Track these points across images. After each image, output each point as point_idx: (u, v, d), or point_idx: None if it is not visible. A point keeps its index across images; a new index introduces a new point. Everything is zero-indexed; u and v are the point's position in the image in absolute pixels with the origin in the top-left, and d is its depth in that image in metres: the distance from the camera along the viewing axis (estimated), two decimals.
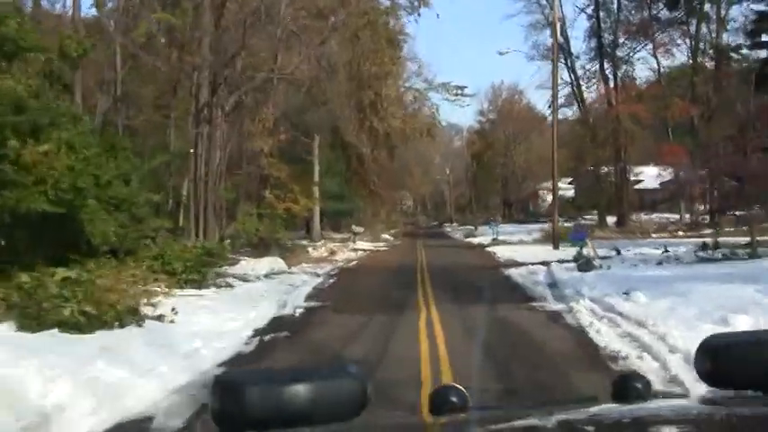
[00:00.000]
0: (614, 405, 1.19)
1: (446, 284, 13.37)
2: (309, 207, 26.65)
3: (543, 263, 16.74)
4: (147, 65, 21.59)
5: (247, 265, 17.55)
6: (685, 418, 1.11)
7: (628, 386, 1.21)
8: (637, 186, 57.56)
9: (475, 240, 35.99)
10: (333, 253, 25.63)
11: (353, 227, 36.71)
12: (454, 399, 1.25)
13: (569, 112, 41.81)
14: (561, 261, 16.45)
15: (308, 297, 12.55)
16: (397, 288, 13.57)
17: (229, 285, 13.93)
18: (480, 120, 72.57)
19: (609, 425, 1.12)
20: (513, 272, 15.74)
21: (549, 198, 74.31)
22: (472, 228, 52.16)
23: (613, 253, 17.53)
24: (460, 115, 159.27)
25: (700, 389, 1.35)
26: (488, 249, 26.30)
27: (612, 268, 14.38)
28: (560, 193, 72.15)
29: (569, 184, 75.76)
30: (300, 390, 1.08)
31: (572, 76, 38.95)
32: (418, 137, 34.76)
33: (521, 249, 23.48)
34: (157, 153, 20.69)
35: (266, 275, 16.23)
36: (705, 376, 1.16)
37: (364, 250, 28.59)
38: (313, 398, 1.07)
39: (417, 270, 18.00)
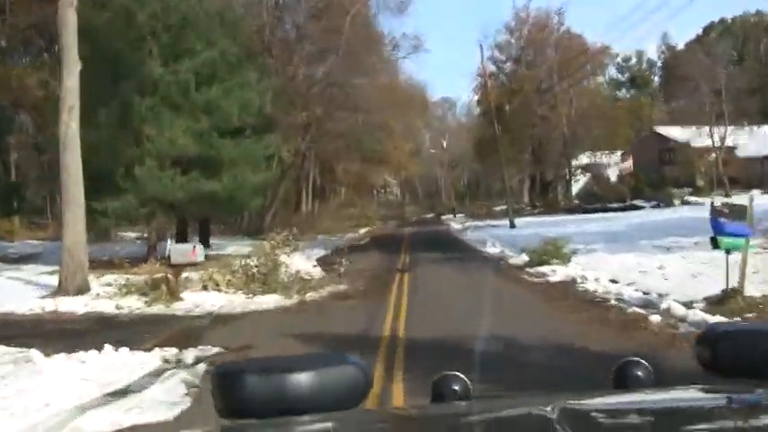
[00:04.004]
0: (615, 393, 1.19)
1: None
2: None
3: None
4: None
5: None
6: (686, 407, 1.11)
7: (629, 374, 1.21)
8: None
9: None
10: None
11: (171, 244, 12.57)
12: (456, 387, 1.24)
13: None
14: None
15: None
16: None
17: None
18: (498, 59, 48.20)
19: (610, 412, 1.10)
20: None
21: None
22: (507, 224, 28.12)
23: None
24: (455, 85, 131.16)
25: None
26: None
27: None
28: (610, 170, 49.14)
29: (622, 156, 52.88)
30: (301, 378, 1.06)
31: None
32: None
33: None
34: None
35: None
36: (706, 364, 1.14)
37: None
38: (313, 386, 1.06)
39: None
